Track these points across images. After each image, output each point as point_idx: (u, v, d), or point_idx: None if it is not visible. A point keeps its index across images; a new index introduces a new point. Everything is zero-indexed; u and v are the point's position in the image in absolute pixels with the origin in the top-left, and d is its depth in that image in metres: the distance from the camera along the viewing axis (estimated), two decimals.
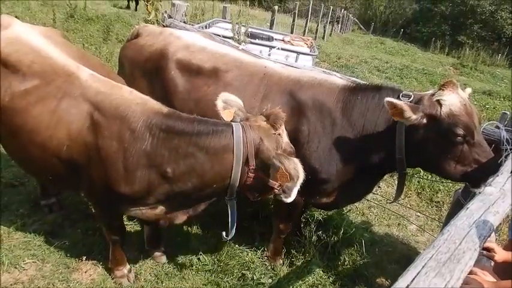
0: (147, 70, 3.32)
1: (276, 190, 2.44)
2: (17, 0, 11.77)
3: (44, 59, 2.66)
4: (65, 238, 3.43)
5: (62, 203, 3.84)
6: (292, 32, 12.44)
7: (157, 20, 4.74)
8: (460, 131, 2.49)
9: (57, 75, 2.59)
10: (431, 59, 20.00)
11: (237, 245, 3.59)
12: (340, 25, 25.51)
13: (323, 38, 18.89)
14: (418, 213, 5.07)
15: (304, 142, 2.85)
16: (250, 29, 5.78)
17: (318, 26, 18.52)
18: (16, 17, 3.40)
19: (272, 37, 5.87)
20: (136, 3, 13.99)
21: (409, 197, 5.41)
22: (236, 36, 4.95)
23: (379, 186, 5.38)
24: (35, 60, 2.65)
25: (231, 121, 2.47)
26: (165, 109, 2.50)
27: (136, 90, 2.67)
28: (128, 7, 14.79)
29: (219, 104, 2.50)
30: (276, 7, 10.07)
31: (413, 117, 2.49)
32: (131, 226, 3.70)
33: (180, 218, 2.78)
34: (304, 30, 16.18)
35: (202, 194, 2.56)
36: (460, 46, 24.32)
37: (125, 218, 3.41)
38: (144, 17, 4.98)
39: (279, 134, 2.43)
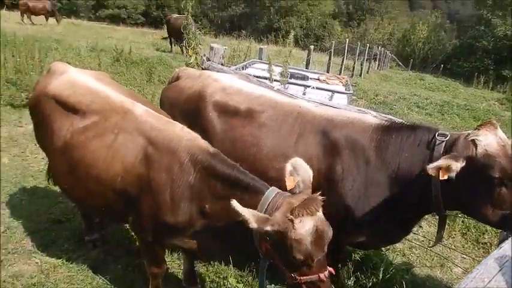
0: (186, 111, 3.46)
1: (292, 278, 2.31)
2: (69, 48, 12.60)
3: (102, 98, 2.93)
4: (107, 273, 3.53)
5: (105, 239, 3.98)
6: (328, 71, 12.59)
7: (197, 63, 4.97)
8: (496, 173, 2.39)
9: (115, 112, 2.84)
10: (474, 94, 19.52)
11: None
12: (377, 62, 25.54)
13: (360, 75, 18.95)
14: (464, 255, 4.85)
15: (338, 181, 2.86)
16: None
17: (354, 63, 18.64)
18: (68, 62, 3.67)
19: (307, 76, 5.97)
20: (182, 48, 14.66)
21: (454, 237, 5.19)
22: (272, 77, 5.08)
23: (420, 226, 5.22)
24: (93, 100, 2.93)
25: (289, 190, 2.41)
26: (211, 149, 2.62)
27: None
28: (171, 50, 15.48)
29: (288, 167, 2.42)
30: (312, 46, 10.26)
31: (458, 165, 2.39)
32: (169, 263, 3.76)
33: (215, 252, 2.84)
34: (341, 68, 16.31)
35: (235, 234, 2.60)
36: (504, 80, 23.69)
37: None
38: (186, 61, 5.23)
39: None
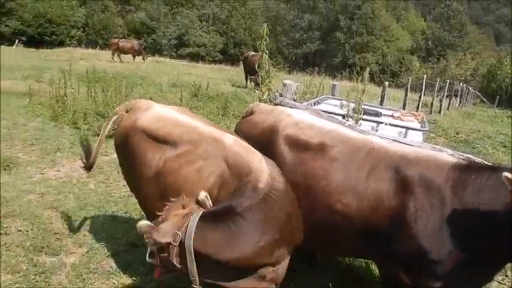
0: (259, 144, 3.55)
1: None
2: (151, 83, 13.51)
3: (192, 129, 3.20)
4: None
5: None
6: (404, 107, 12.27)
7: (269, 99, 5.13)
8: None
9: (205, 141, 3.08)
10: None
11: None
12: (459, 99, 24.43)
13: (439, 112, 18.21)
14: None
15: (411, 220, 2.76)
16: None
17: (433, 100, 17.98)
18: (150, 97, 3.97)
19: (380, 113, 5.90)
20: (256, 84, 15.13)
21: None
22: (344, 112, 5.09)
23: (506, 275, 4.80)
24: (184, 131, 3.19)
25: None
26: (261, 184, 2.68)
27: (274, 165, 3.01)
28: (245, 86, 16.02)
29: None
30: (387, 82, 10.12)
31: None
32: None
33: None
34: (418, 105, 15.81)
35: None
36: None
37: None
38: (259, 96, 5.42)
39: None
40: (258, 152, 3.03)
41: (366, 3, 47.61)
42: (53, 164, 6.63)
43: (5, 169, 6.09)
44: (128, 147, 3.40)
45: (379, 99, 11.95)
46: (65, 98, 9.46)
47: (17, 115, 9.06)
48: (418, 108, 15.29)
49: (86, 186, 5.93)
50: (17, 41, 36.01)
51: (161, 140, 3.19)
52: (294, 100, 5.17)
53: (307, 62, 43.83)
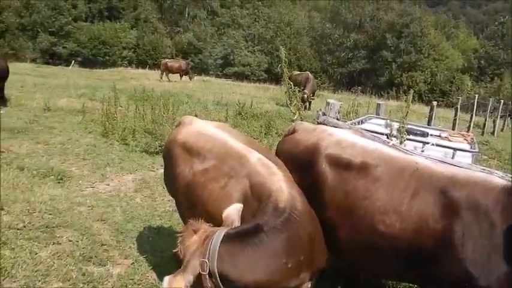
0: (300, 162, 3.58)
1: None
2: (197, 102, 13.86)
3: (221, 144, 3.29)
4: None
5: None
6: (454, 128, 11.89)
7: (301, 118, 5.17)
8: None
9: (232, 157, 3.14)
10: None
11: None
12: None
13: (493, 133, 17.48)
14: None
15: (458, 244, 2.67)
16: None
17: (485, 120, 17.29)
18: (196, 115, 4.12)
19: (427, 133, 5.77)
20: (305, 103, 15.23)
21: None
22: (388, 132, 5.02)
23: None
24: (214, 145, 3.29)
25: None
26: (281, 203, 2.71)
27: (294, 184, 3.05)
28: (289, 105, 16.06)
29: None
30: (435, 102, 9.86)
31: None
32: None
33: None
34: (469, 126, 15.25)
35: None
36: None
37: None
38: (290, 117, 5.48)
39: None
40: (280, 172, 3.04)
41: (414, 21, 46.84)
42: (102, 178, 6.93)
43: (58, 182, 6.41)
44: (169, 159, 3.61)
45: (427, 119, 11.66)
46: (115, 115, 9.89)
47: (72, 131, 9.54)
48: (469, 129, 14.75)
49: (133, 200, 6.14)
50: (73, 61, 38.05)
51: (194, 154, 3.33)
52: (337, 119, 5.16)
53: (352, 81, 43.43)
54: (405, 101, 5.56)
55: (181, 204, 3.50)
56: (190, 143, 3.41)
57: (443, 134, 5.93)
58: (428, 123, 8.82)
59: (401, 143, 4.73)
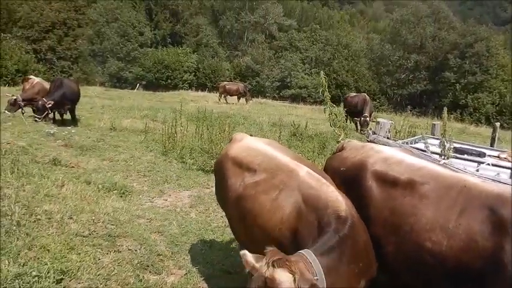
0: (347, 178, 3.65)
1: None
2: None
3: (270, 159, 3.45)
4: None
5: None
6: None
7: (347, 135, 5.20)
8: None
9: (281, 170, 3.29)
10: None
11: None
12: None
13: None
14: None
15: (508, 263, 2.62)
16: (459, 145, 5.69)
17: None
18: (250, 135, 4.32)
19: (484, 153, 5.60)
20: (361, 125, 15.15)
21: None
22: (440, 151, 4.94)
23: None
24: (263, 160, 3.46)
25: None
26: (343, 213, 2.78)
27: (345, 195, 3.09)
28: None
29: None
30: (498, 123, 9.44)
31: None
32: None
33: None
34: None
35: None
36: None
37: None
38: (336, 138, 5.52)
39: None
40: (329, 183, 3.13)
41: (478, 41, 44.99)
42: (161, 193, 7.29)
43: (121, 196, 6.83)
44: (220, 173, 3.82)
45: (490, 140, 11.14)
46: (175, 135, 10.37)
47: (134, 149, 10.11)
48: None
49: (188, 215, 6.41)
50: (138, 85, 40.16)
51: (244, 168, 3.51)
52: (388, 138, 5.16)
53: (413, 103, 42.19)
54: (442, 118, 5.45)
55: (232, 217, 3.68)
56: (240, 158, 3.60)
57: (503, 155, 5.71)
58: (491, 144, 8.44)
59: (447, 160, 4.64)
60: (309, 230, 2.83)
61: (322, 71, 5.36)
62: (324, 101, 5.29)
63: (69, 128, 11.52)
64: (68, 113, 12.62)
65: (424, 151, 4.80)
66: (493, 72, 45.44)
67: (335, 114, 5.29)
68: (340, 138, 5.19)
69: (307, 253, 2.56)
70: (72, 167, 7.88)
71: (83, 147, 9.55)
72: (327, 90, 5.19)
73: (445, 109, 5.72)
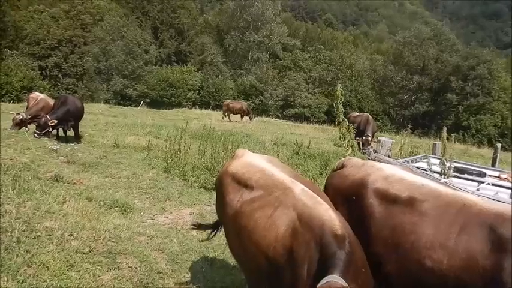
0: (347, 196, 3.66)
1: None
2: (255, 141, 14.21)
3: (267, 176, 3.46)
4: None
5: None
6: None
7: (354, 155, 5.23)
8: None
9: (277, 188, 3.29)
10: None
11: None
12: None
13: None
14: None
15: (507, 281, 2.61)
16: (460, 165, 5.71)
17: None
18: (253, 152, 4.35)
19: (484, 173, 5.62)
20: (363, 145, 15.18)
21: None
22: (440, 170, 4.95)
23: None
24: (261, 177, 3.47)
25: None
26: (340, 231, 2.77)
27: (339, 213, 3.07)
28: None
29: None
30: (499, 144, 9.48)
31: None
32: None
33: None
34: None
35: None
36: None
37: None
38: (343, 153, 5.55)
39: None
40: (324, 201, 3.13)
41: (481, 64, 45.30)
42: (162, 211, 7.29)
43: (122, 213, 6.83)
44: (220, 188, 3.85)
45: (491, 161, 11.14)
46: (178, 152, 10.40)
47: (136, 166, 10.12)
48: None
49: (189, 232, 6.39)
50: (142, 102, 40.40)
51: (242, 184, 3.53)
52: (389, 156, 5.18)
53: (415, 124, 42.23)
54: (441, 138, 5.48)
55: (229, 233, 3.69)
56: (239, 174, 3.63)
57: (503, 175, 5.73)
58: (493, 165, 8.46)
59: (448, 179, 4.65)
60: (304, 249, 2.81)
61: (339, 84, 5.41)
62: (336, 117, 5.30)
63: (72, 144, 11.57)
64: (72, 130, 12.70)
65: (425, 170, 4.81)
66: (494, 95, 45.68)
67: (346, 129, 5.32)
68: (348, 153, 5.21)
69: (339, 280, 2.53)
70: (74, 183, 7.90)
71: (86, 163, 9.58)
72: (341, 103, 5.23)
73: (445, 129, 5.77)
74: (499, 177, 5.65)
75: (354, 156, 5.19)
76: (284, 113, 47.13)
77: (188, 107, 41.15)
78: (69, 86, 43.85)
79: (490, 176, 5.66)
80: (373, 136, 16.11)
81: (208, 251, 5.75)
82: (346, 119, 5.67)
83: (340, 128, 5.44)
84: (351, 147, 5.29)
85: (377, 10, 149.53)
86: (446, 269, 2.85)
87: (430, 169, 5.00)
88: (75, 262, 4.67)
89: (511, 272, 2.61)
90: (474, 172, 5.53)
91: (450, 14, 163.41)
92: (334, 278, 2.53)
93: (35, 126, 12.11)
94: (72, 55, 45.03)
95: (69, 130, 12.74)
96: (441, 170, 4.98)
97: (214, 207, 7.30)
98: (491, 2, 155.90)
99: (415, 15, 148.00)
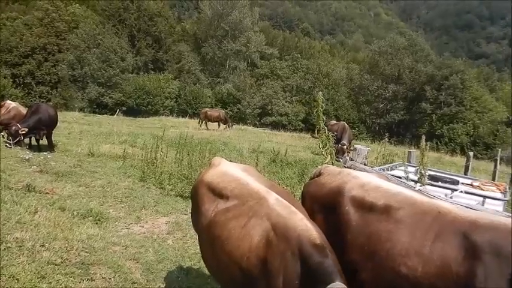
0: (324, 204, 3.66)
1: None
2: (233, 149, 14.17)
3: (242, 185, 3.42)
4: None
5: None
6: (494, 179, 11.53)
7: (332, 163, 5.26)
8: None
9: (251, 197, 3.25)
10: None
11: None
12: None
13: None
14: None
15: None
16: (434, 172, 5.81)
17: None
18: (230, 161, 4.32)
19: (457, 181, 5.73)
20: (337, 152, 15.27)
21: None
22: (414, 178, 5.03)
23: None
24: (236, 186, 3.43)
25: None
26: (318, 240, 2.75)
27: (314, 222, 3.04)
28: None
29: None
30: (471, 153, 9.72)
31: None
32: None
33: None
34: (511, 178, 14.73)
35: None
36: None
37: None
38: (322, 161, 5.58)
39: None
40: (299, 210, 3.11)
41: (454, 74, 46.51)
42: (138, 220, 7.16)
43: (96, 223, 6.68)
44: (195, 197, 3.80)
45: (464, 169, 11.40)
46: (155, 160, 10.27)
47: (112, 175, 9.95)
48: (511, 182, 14.23)
49: (165, 242, 6.30)
50: (118, 110, 39.88)
51: (217, 193, 3.49)
52: (365, 164, 5.22)
53: (391, 132, 42.95)
54: (420, 147, 5.59)
55: (203, 242, 3.61)
56: (214, 184, 3.59)
57: (475, 183, 5.86)
58: (465, 172, 8.65)
59: (424, 188, 4.72)
60: (280, 259, 2.77)
61: (320, 92, 5.44)
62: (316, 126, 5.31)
63: (45, 153, 11.29)
64: (45, 139, 12.41)
65: (399, 177, 4.87)
66: (467, 104, 46.92)
67: (326, 137, 5.34)
68: (327, 161, 5.23)
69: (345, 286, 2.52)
70: (47, 193, 7.70)
71: (59, 173, 9.36)
72: (321, 110, 5.26)
73: (423, 137, 5.86)
74: (471, 185, 5.78)
75: (333, 164, 5.22)
76: (262, 121, 47.26)
77: (165, 115, 40.83)
78: (43, 94, 42.94)
79: (462, 183, 5.77)
80: (350, 144, 16.28)
81: (184, 260, 5.67)
82: (326, 127, 5.68)
83: (320, 136, 5.47)
84: (330, 154, 5.32)
85: (353, 20, 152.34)
86: (421, 276, 2.86)
87: (407, 177, 5.06)
88: (46, 274, 4.53)
89: (482, 279, 2.64)
90: (447, 180, 5.63)
91: (424, 25, 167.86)
92: (340, 285, 2.52)
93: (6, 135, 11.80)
94: (46, 63, 44.15)
95: (42, 139, 12.45)
96: (418, 178, 5.05)
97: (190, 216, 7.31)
98: (464, 14, 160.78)
99: (390, 25, 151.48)
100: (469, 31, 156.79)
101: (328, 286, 2.49)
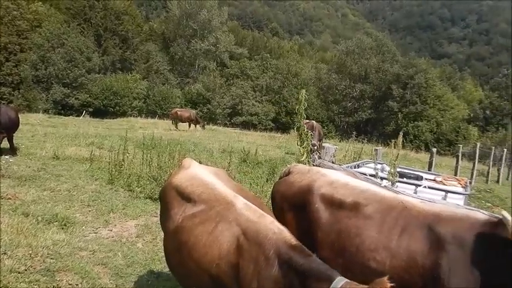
0: (294, 203, 3.68)
1: None
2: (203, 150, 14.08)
3: (210, 190, 3.33)
4: None
5: None
6: (456, 174, 11.94)
7: (308, 161, 5.30)
8: None
9: (219, 202, 3.17)
10: None
11: None
12: None
13: (497, 182, 17.48)
14: None
15: (444, 278, 2.72)
16: (399, 169, 5.94)
17: (489, 169, 17.37)
18: (200, 161, 4.26)
19: (421, 176, 5.90)
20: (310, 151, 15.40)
21: None
22: (381, 175, 5.13)
23: None
24: (203, 191, 3.34)
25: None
26: (293, 242, 2.71)
27: (284, 222, 3.08)
28: (294, 152, 16.26)
29: None
30: (435, 149, 10.01)
31: None
32: None
33: None
34: (472, 173, 15.29)
35: None
36: None
37: None
38: (297, 158, 5.61)
39: None
40: (267, 214, 3.09)
41: (419, 73, 47.83)
42: (106, 223, 7.00)
43: (62, 228, 6.49)
44: (163, 201, 3.69)
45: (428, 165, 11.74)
46: (122, 162, 10.07)
47: (78, 178, 9.69)
48: (472, 176, 14.77)
49: (135, 245, 6.18)
50: (84, 111, 38.97)
51: (185, 197, 3.39)
52: (333, 162, 5.30)
53: (358, 130, 43.78)
54: (396, 146, 5.71)
55: (169, 248, 3.46)
56: (183, 187, 3.47)
57: (438, 178, 6.04)
58: (429, 168, 8.90)
59: (392, 184, 4.83)
60: (253, 265, 2.70)
61: (303, 90, 5.46)
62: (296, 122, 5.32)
63: (7, 157, 10.89)
64: (6, 142, 11.95)
65: (365, 174, 4.96)
66: (430, 102, 48.39)
67: (305, 134, 5.36)
68: (303, 158, 5.26)
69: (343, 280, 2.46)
70: (9, 198, 7.42)
71: (22, 177, 9.05)
72: (303, 108, 5.27)
73: (401, 134, 5.95)
74: (434, 180, 5.95)
75: (309, 161, 5.25)
76: (232, 121, 47.26)
77: (134, 116, 40.14)
78: (4, 96, 41.33)
79: (426, 179, 5.93)
80: (320, 142, 16.46)
81: (155, 263, 5.57)
82: (304, 125, 5.71)
83: (298, 133, 5.49)
84: (306, 152, 5.35)
85: (321, 20, 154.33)
86: (389, 270, 2.92)
87: (377, 174, 5.16)
88: (9, 282, 4.37)
89: (447, 269, 2.72)
90: (412, 176, 5.78)
91: (389, 26, 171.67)
92: (342, 279, 2.46)
93: None
94: (7, 63, 42.55)
95: (1, 142, 11.99)
96: (388, 175, 5.15)
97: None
98: (427, 15, 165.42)
99: (357, 26, 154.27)
100: (432, 32, 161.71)
101: (333, 284, 2.41)
